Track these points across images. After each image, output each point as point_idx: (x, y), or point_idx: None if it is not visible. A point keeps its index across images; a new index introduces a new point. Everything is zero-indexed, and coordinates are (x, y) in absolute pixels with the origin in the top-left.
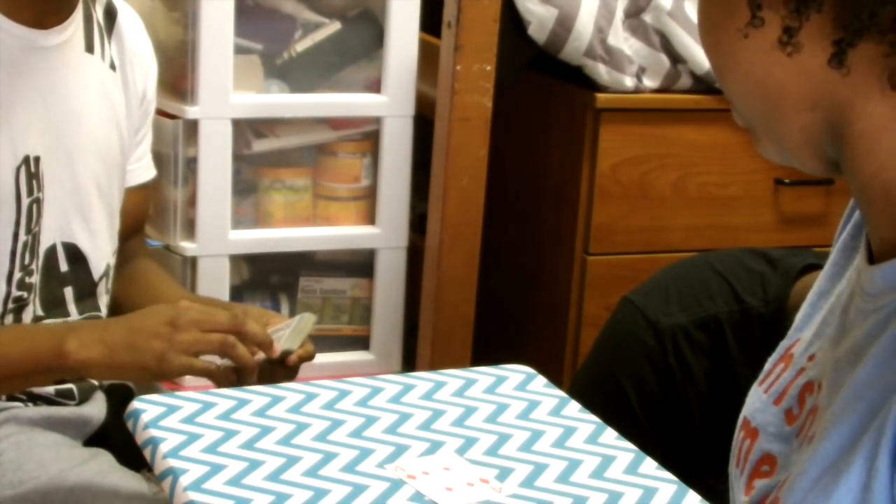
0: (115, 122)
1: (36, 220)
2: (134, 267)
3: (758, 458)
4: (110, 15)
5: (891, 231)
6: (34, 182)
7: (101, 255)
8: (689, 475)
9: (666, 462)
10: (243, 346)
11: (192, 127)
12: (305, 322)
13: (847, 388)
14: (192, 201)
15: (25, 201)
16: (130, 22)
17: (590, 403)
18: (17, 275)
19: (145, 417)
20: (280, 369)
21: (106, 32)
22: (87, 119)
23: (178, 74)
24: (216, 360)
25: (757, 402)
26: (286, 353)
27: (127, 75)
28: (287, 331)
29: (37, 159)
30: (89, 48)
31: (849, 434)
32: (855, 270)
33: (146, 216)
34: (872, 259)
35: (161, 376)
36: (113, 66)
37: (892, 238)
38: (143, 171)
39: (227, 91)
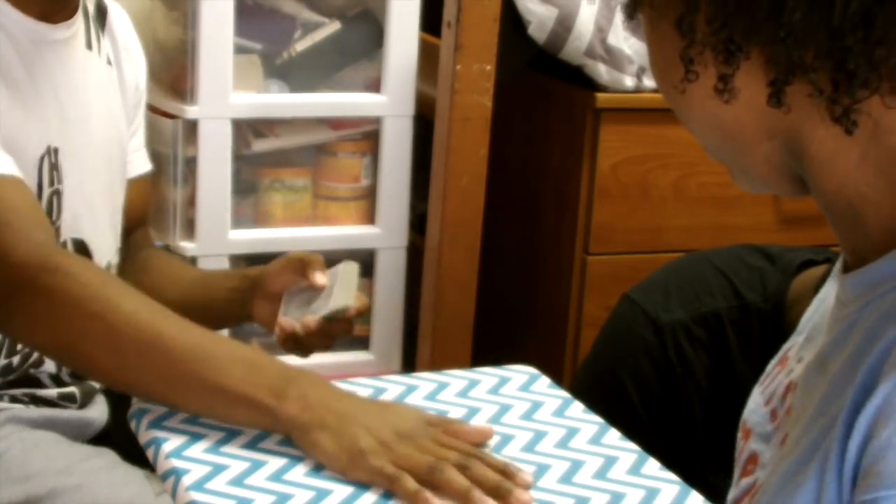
0: (112, 117)
1: (57, 213)
2: (143, 258)
3: (746, 457)
4: (101, 10)
5: (861, 244)
6: (55, 173)
7: (105, 251)
8: (689, 472)
9: (666, 459)
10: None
11: (191, 127)
12: (350, 272)
13: (816, 401)
14: (191, 201)
15: (46, 192)
16: (120, 17)
17: (590, 400)
18: None
19: (148, 418)
20: (338, 324)
21: (99, 28)
22: (91, 114)
23: (178, 74)
24: None
25: (752, 404)
26: (342, 311)
27: (122, 70)
28: (334, 288)
29: (56, 150)
30: (88, 44)
31: (811, 448)
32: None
33: (148, 208)
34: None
35: (367, 481)
36: (109, 62)
37: (863, 249)
38: (140, 163)
39: (227, 91)
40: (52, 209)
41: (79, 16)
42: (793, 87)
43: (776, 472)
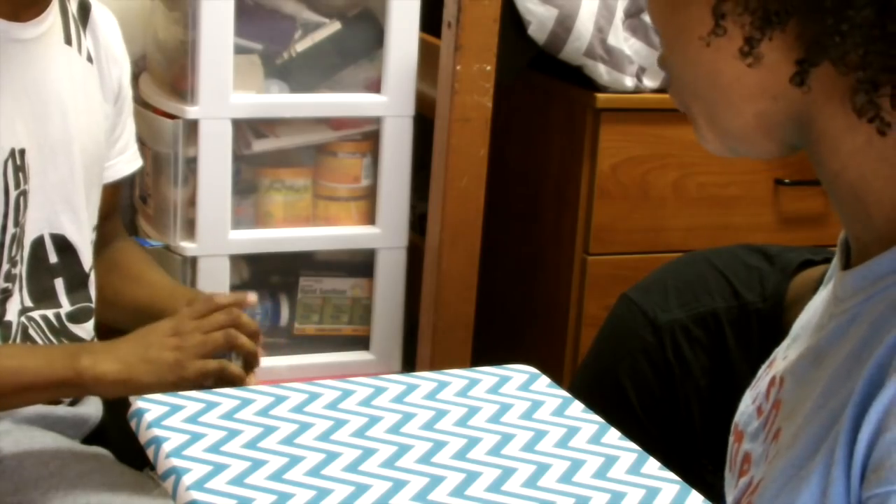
0: (93, 114)
1: (23, 212)
2: (112, 253)
3: (742, 458)
4: (84, 9)
5: (862, 230)
6: (20, 174)
7: (88, 248)
8: (687, 472)
9: (665, 459)
10: (244, 336)
11: (192, 127)
12: None
13: (815, 394)
14: (192, 201)
15: (13, 194)
16: (104, 17)
17: (589, 400)
18: (5, 267)
19: (148, 417)
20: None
21: (81, 25)
22: (70, 110)
23: (178, 74)
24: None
25: (742, 406)
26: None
27: (103, 69)
28: None
29: (22, 152)
30: (68, 40)
31: (814, 441)
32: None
33: (121, 199)
34: (849, 264)
35: (179, 384)
36: (90, 59)
37: (865, 238)
38: (127, 163)
39: (227, 91)
40: (19, 209)
41: (52, 12)
42: (819, 69)
43: (775, 467)
